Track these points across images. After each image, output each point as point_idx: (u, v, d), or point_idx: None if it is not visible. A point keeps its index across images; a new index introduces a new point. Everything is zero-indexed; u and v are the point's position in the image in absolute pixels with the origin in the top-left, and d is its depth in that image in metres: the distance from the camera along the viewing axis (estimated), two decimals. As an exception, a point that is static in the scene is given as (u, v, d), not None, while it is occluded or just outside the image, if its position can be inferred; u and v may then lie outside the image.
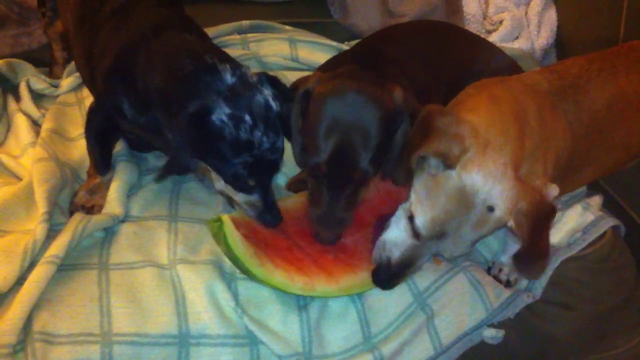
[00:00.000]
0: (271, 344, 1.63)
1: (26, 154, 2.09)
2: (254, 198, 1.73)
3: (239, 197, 1.75)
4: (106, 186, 1.94)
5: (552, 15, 3.05)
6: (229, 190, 1.76)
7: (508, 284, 1.91)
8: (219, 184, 1.78)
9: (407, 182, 1.64)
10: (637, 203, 2.29)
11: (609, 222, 2.04)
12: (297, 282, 1.70)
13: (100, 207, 1.90)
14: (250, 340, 1.66)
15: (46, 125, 2.16)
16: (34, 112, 2.29)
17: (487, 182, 1.50)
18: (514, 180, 1.53)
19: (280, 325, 1.68)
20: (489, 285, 1.83)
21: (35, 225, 1.76)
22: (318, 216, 1.72)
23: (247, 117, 1.59)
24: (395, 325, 1.74)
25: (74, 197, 1.94)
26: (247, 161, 1.62)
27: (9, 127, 2.26)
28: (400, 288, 1.78)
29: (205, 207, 1.97)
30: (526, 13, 3.07)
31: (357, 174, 1.64)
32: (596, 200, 2.11)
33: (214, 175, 1.76)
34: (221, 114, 1.57)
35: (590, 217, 2.04)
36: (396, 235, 1.67)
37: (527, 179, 1.62)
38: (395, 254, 1.67)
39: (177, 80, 1.64)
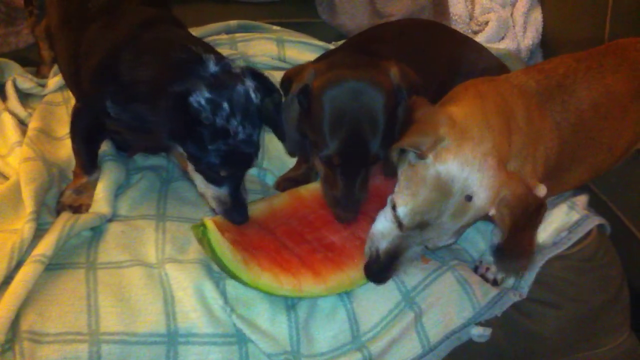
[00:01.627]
0: (260, 342, 1.63)
1: (13, 153, 2.08)
2: (223, 192, 1.74)
3: (209, 190, 1.76)
4: (93, 186, 1.94)
5: (537, 15, 3.07)
6: (199, 181, 1.77)
7: (495, 283, 1.91)
8: (196, 177, 1.77)
9: (394, 173, 1.65)
10: (623, 202, 2.31)
11: (595, 220, 2.05)
12: (284, 285, 1.70)
13: (88, 206, 1.90)
14: (239, 339, 1.66)
15: (33, 125, 2.16)
16: (21, 111, 2.29)
17: (463, 170, 1.51)
18: (495, 170, 1.53)
19: (269, 323, 1.68)
20: (477, 284, 1.84)
21: (22, 225, 1.75)
22: (336, 200, 1.76)
23: (226, 105, 1.61)
24: (383, 324, 1.75)
25: (60, 197, 1.93)
26: (221, 149, 1.63)
27: (-6, 127, 2.25)
28: (389, 287, 1.79)
29: (193, 206, 1.97)
30: (512, 14, 3.09)
31: (369, 159, 1.68)
32: (582, 199, 2.12)
33: (190, 168, 1.75)
34: (200, 97, 1.59)
35: (575, 216, 2.05)
36: (383, 226, 1.68)
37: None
38: (383, 245, 1.68)
39: (164, 69, 1.65)
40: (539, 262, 1.94)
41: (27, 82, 2.41)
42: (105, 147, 2.04)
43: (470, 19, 3.11)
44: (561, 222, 2.05)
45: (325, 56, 2.11)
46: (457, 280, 1.83)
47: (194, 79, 1.62)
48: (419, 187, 1.54)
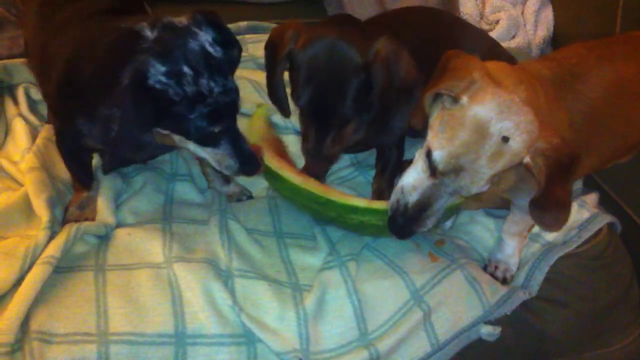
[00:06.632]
0: (269, 341, 1.64)
1: (25, 160, 2.06)
2: (223, 150, 1.65)
3: (209, 154, 1.67)
4: (95, 198, 1.93)
5: (548, 14, 3.06)
6: (194, 148, 1.66)
7: (504, 281, 1.92)
8: (189, 146, 1.67)
9: (423, 124, 1.64)
10: (634, 200, 2.30)
11: (605, 218, 2.05)
12: (315, 186, 1.81)
13: (93, 219, 1.88)
14: (247, 339, 1.66)
15: (43, 134, 2.14)
16: (34, 120, 2.27)
17: (500, 110, 1.49)
18: (532, 117, 1.51)
19: (277, 322, 1.69)
20: (486, 282, 1.84)
21: (36, 232, 1.76)
22: (308, 149, 1.83)
23: (186, 69, 1.48)
24: (391, 322, 1.75)
25: (65, 214, 1.91)
26: (203, 112, 1.53)
27: (7, 132, 2.26)
28: (397, 285, 1.80)
29: (197, 207, 1.99)
30: (523, 12, 3.09)
31: (335, 119, 1.74)
32: (592, 197, 2.12)
33: (178, 140, 1.65)
34: (157, 74, 1.45)
35: (586, 214, 2.05)
36: (414, 178, 1.65)
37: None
38: (414, 197, 1.64)
39: (101, 60, 1.55)
40: (550, 260, 1.93)
41: (39, 94, 2.38)
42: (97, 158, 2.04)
43: (481, 18, 3.11)
44: (571, 220, 2.04)
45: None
46: (467, 278, 1.83)
47: (138, 55, 1.45)
48: (455, 130, 1.52)
